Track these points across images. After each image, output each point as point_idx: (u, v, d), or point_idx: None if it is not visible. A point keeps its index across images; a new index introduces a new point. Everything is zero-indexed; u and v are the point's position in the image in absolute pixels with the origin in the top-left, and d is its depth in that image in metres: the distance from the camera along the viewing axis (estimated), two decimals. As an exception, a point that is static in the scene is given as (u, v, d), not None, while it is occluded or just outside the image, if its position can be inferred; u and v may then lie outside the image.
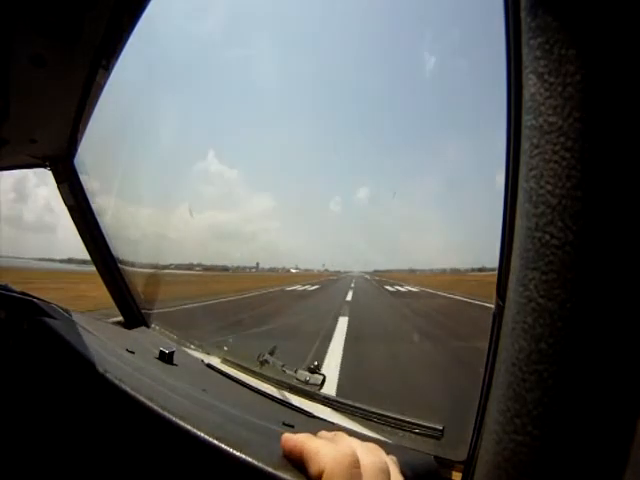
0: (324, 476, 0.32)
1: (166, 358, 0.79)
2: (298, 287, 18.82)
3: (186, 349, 1.08)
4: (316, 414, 0.70)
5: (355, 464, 0.32)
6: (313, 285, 20.85)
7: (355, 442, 0.37)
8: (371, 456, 0.34)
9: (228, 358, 1.00)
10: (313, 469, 0.33)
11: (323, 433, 0.41)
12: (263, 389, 0.80)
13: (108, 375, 0.51)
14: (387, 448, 0.38)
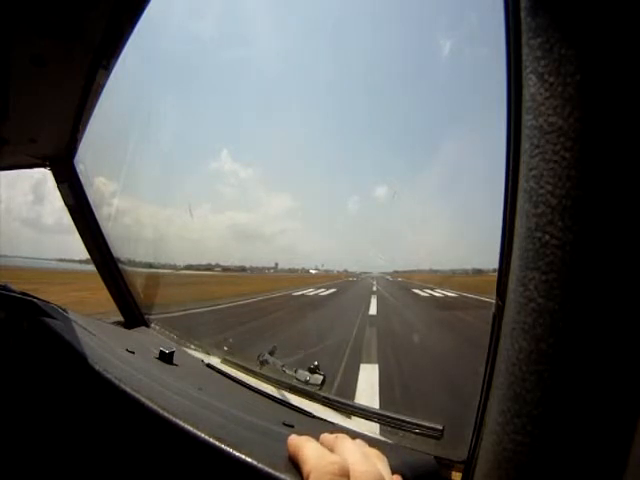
0: None
1: (166, 358, 0.79)
2: (310, 290, 14.94)
3: (186, 349, 1.08)
4: (316, 414, 0.70)
5: (342, 473, 0.32)
6: (329, 289, 16.49)
7: (355, 448, 0.37)
8: (365, 465, 0.34)
9: (228, 358, 1.00)
10: (303, 474, 0.34)
11: (325, 436, 0.40)
12: (263, 389, 0.80)
13: (108, 375, 0.51)
14: (387, 448, 0.38)
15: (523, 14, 0.25)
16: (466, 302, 10.85)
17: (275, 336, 4.78)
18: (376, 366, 3.20)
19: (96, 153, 1.13)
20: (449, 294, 13.75)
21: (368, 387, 2.70)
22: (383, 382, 2.82)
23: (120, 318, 1.22)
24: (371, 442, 0.41)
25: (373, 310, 7.93)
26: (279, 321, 6.60)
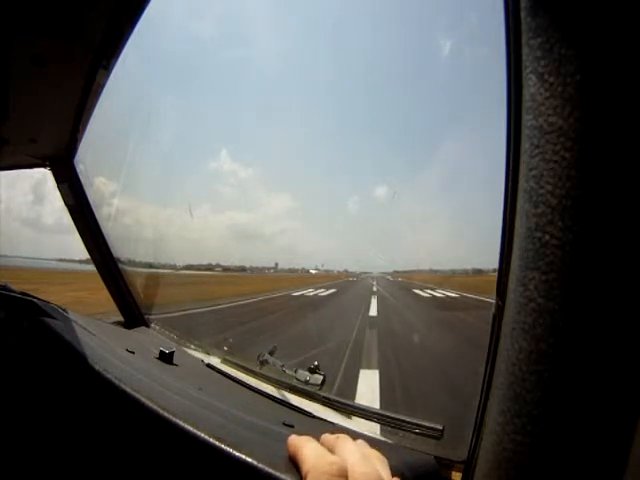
0: None
1: (166, 358, 0.79)
2: (309, 291, 14.69)
3: (186, 349, 1.08)
4: (316, 414, 0.70)
5: (340, 473, 0.32)
6: (329, 289, 16.15)
7: (355, 448, 0.37)
8: (364, 466, 0.34)
9: (228, 358, 1.00)
10: (302, 474, 0.34)
11: (326, 436, 0.40)
12: (263, 389, 0.80)
13: (108, 375, 0.51)
14: (387, 448, 0.38)
15: (523, 14, 0.25)
16: (467, 302, 10.68)
17: (271, 339, 4.53)
18: (376, 372, 2.97)
19: (96, 153, 1.13)
20: (450, 294, 13.50)
21: (368, 394, 2.49)
22: (384, 390, 2.58)
23: (120, 318, 1.22)
24: (371, 442, 0.41)
25: (373, 311, 7.66)
26: (279, 322, 6.44)
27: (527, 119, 0.26)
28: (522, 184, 0.26)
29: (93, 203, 1.11)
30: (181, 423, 0.44)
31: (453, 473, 0.53)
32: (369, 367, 3.12)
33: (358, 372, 2.93)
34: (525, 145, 0.26)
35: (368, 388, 2.57)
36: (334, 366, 3.10)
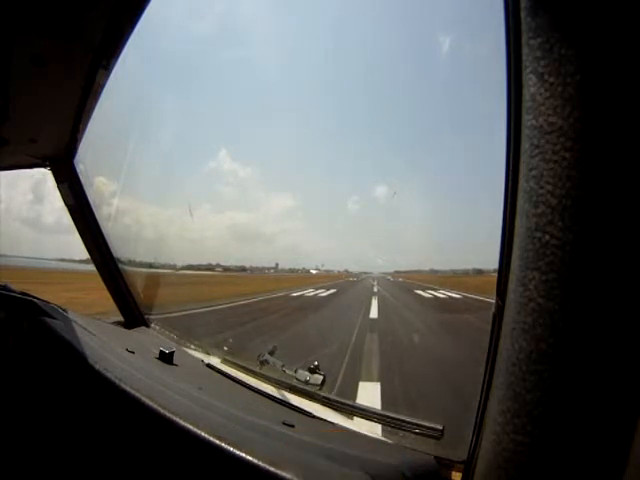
0: None
1: (166, 358, 0.80)
2: (309, 291, 14.39)
3: (186, 349, 1.08)
4: (316, 414, 0.70)
5: None
6: (329, 289, 15.67)
7: None
8: None
9: (228, 358, 1.00)
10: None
11: None
12: (263, 389, 0.81)
13: (108, 375, 0.51)
14: (387, 448, 0.38)
15: (523, 14, 0.25)
16: (468, 303, 10.33)
17: (270, 340, 3.96)
18: (378, 385, 2.56)
19: (96, 153, 1.13)
20: (452, 295, 12.94)
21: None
22: (387, 407, 2.11)
23: (120, 318, 1.22)
24: (371, 442, 0.41)
25: (374, 313, 7.18)
26: (279, 323, 6.05)
27: (527, 119, 0.26)
28: (522, 184, 0.26)
29: (93, 203, 1.11)
30: (182, 422, 0.44)
31: (453, 473, 0.53)
32: (369, 379, 2.71)
33: (357, 385, 2.55)
34: (525, 145, 0.26)
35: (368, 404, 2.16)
36: (330, 378, 2.64)
